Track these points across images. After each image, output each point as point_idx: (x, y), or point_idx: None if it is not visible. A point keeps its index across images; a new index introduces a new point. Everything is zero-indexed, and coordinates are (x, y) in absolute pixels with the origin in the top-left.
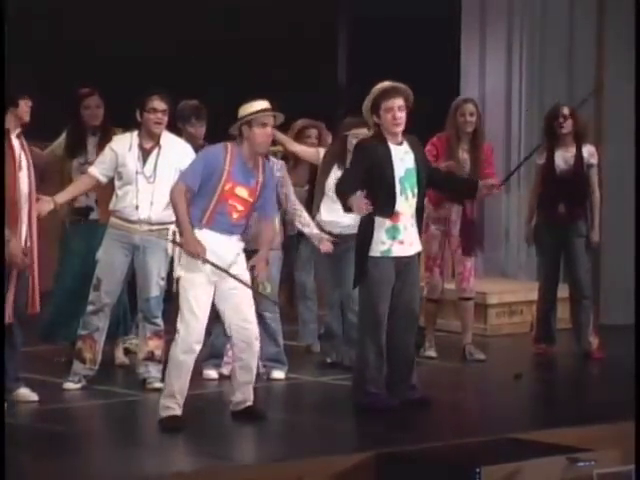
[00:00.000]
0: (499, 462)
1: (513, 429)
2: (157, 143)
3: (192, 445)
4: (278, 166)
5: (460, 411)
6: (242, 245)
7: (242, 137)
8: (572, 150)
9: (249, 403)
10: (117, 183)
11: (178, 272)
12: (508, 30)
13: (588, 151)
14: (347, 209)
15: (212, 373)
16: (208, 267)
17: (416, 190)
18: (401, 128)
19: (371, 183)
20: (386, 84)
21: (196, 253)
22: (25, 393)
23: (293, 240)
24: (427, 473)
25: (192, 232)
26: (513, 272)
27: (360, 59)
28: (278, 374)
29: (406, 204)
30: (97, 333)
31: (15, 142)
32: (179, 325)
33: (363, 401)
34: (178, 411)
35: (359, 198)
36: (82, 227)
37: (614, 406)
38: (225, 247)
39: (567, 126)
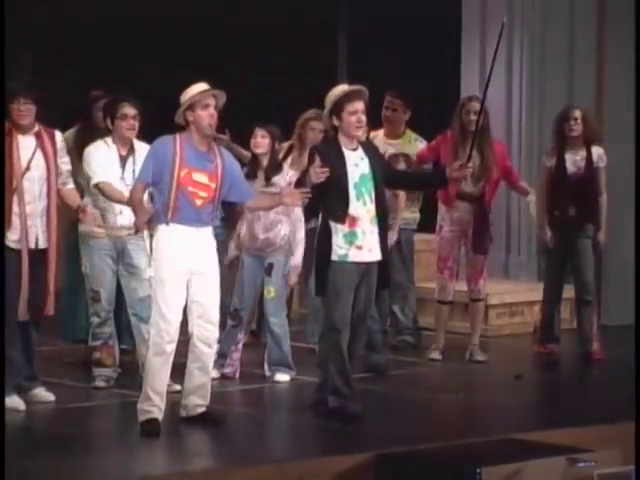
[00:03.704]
0: (499, 463)
1: (513, 430)
2: (132, 149)
3: (193, 445)
4: (290, 174)
5: (460, 411)
6: (214, 243)
7: (188, 123)
8: (581, 153)
9: (205, 407)
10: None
11: (149, 272)
12: (508, 30)
13: (597, 153)
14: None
15: (214, 373)
16: (180, 265)
17: (374, 195)
18: (362, 131)
19: (326, 187)
20: (346, 86)
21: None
22: (41, 393)
23: None
24: (427, 473)
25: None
26: (514, 273)
27: (360, 45)
28: (282, 377)
29: (364, 209)
30: (110, 339)
31: (24, 141)
32: (150, 327)
33: (327, 408)
34: (157, 414)
35: (314, 167)
36: None
37: (614, 406)
38: (194, 241)
39: (577, 129)
